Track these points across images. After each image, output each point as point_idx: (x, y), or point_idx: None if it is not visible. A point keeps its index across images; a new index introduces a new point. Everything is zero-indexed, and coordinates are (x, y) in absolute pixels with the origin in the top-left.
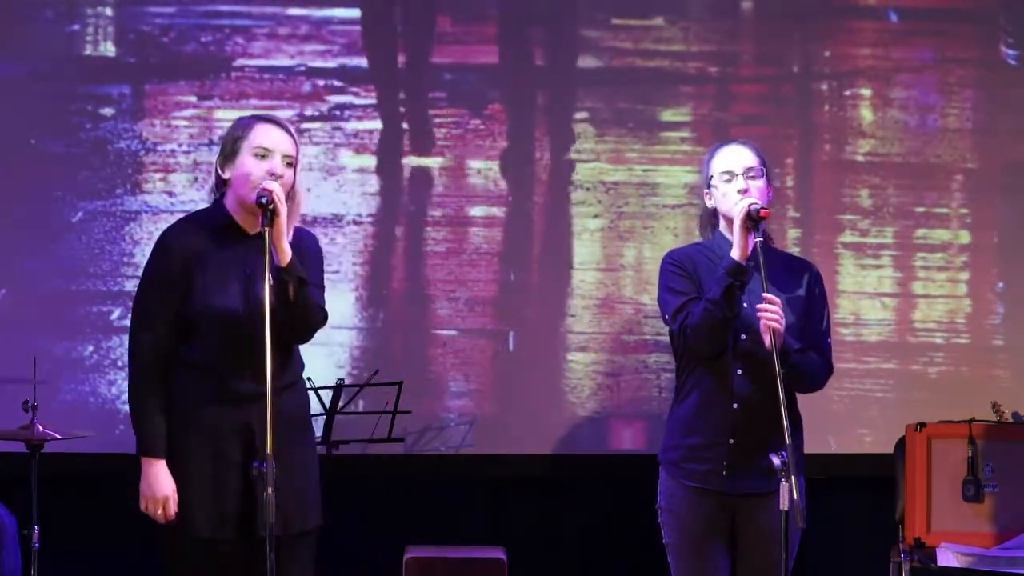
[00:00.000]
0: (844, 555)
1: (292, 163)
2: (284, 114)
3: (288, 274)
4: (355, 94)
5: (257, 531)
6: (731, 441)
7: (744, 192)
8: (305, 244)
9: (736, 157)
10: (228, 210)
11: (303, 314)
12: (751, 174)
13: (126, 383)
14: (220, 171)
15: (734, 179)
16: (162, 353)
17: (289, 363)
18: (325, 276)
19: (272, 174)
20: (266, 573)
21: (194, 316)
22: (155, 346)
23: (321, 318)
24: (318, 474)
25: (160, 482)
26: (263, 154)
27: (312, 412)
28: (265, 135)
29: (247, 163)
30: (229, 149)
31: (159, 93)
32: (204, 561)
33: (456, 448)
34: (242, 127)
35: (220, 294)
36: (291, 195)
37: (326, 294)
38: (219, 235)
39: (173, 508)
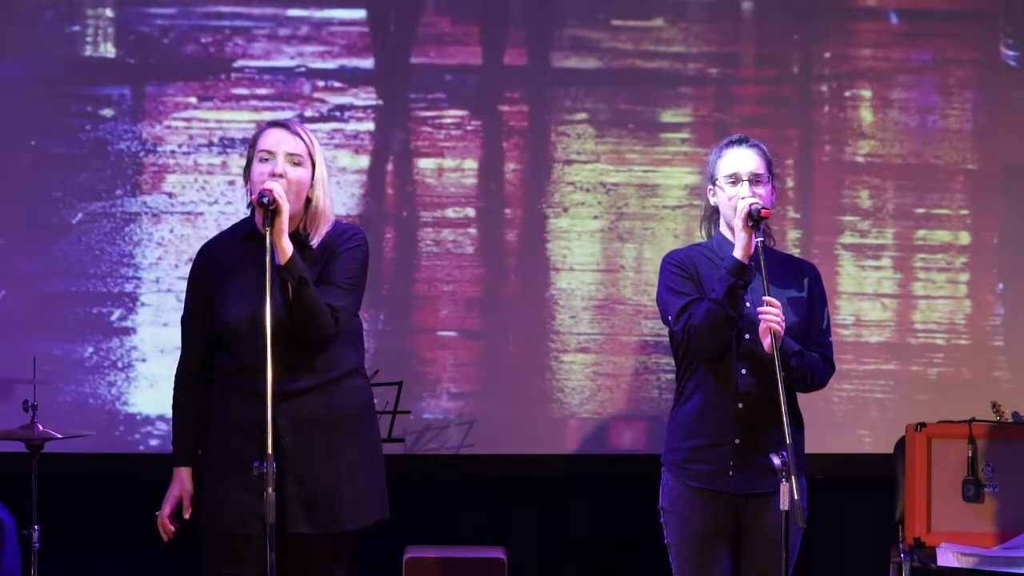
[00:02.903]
0: (844, 555)
1: (300, 162)
2: (284, 115)
3: (287, 273)
4: (355, 95)
5: (286, 527)
6: (736, 441)
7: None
8: (339, 241)
9: (743, 161)
10: (255, 221)
11: (304, 314)
12: (757, 180)
13: (126, 384)
14: (246, 185)
15: (739, 183)
16: (195, 364)
17: (318, 362)
18: None
19: (273, 174)
20: (294, 570)
21: (219, 324)
22: (187, 358)
23: (328, 319)
24: (367, 474)
25: (173, 484)
26: (266, 157)
27: None
28: (267, 138)
29: (254, 168)
30: (246, 162)
31: (159, 94)
32: (237, 557)
33: (456, 448)
34: (253, 138)
35: (240, 300)
36: (310, 197)
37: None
38: (243, 243)
39: (168, 510)
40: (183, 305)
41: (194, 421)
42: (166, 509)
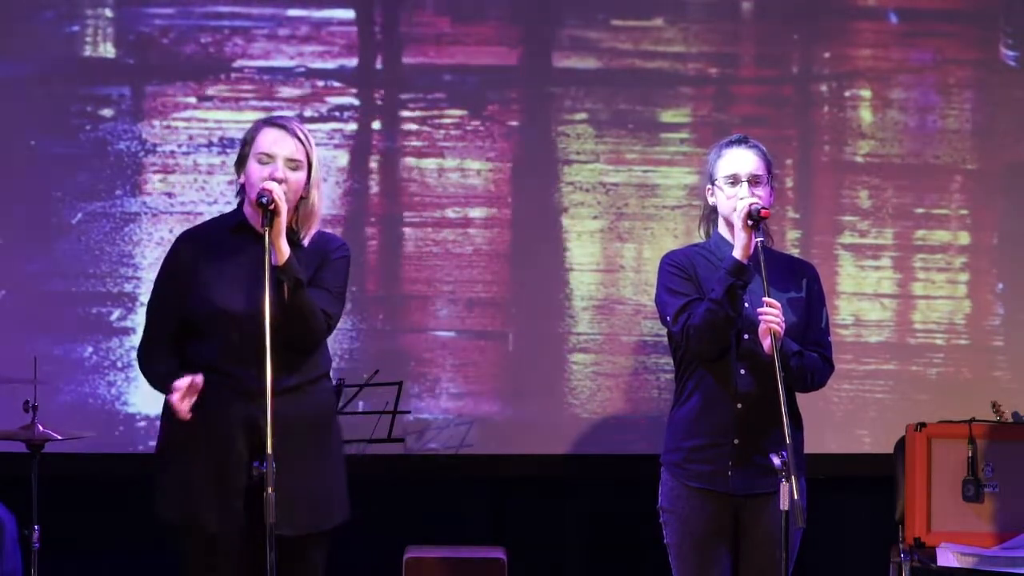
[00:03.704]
0: (844, 555)
1: (298, 166)
2: (284, 115)
3: (283, 274)
4: (354, 95)
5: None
6: (735, 441)
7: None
8: (328, 248)
9: (742, 162)
10: (244, 213)
11: (299, 316)
12: (756, 180)
13: (126, 384)
14: (237, 177)
15: (738, 184)
16: (166, 344)
17: (302, 362)
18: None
19: (273, 178)
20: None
21: (198, 314)
22: (151, 344)
23: (322, 323)
24: (339, 474)
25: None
26: (265, 160)
27: None
28: (268, 140)
29: (252, 168)
30: (240, 155)
31: (159, 94)
32: (214, 557)
33: (456, 448)
34: (251, 133)
35: (225, 293)
36: (305, 196)
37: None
38: (231, 236)
39: (183, 387)
40: (152, 291)
41: (176, 369)
42: (179, 384)
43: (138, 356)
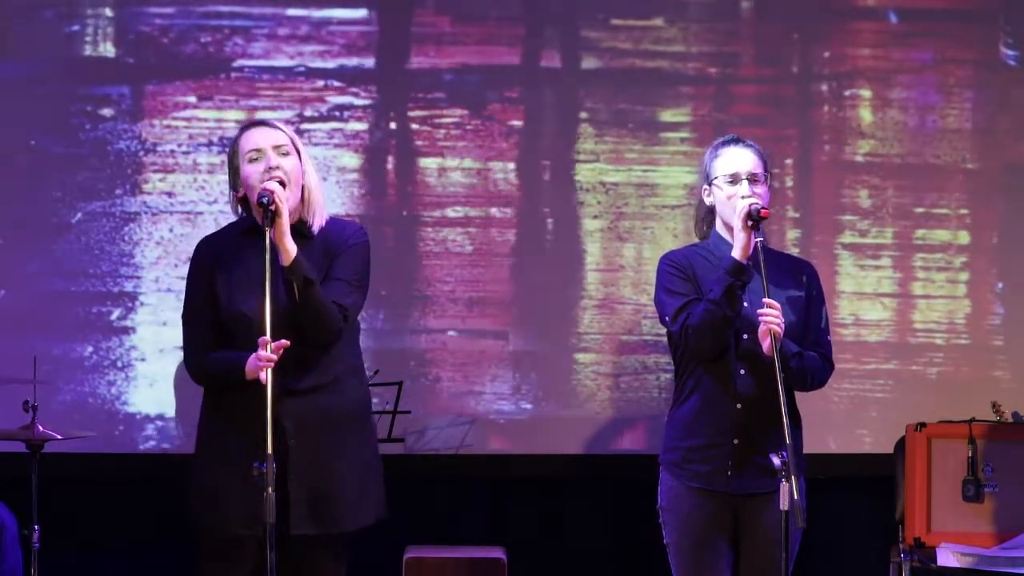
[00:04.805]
0: (844, 555)
1: (288, 151)
2: (283, 115)
3: (291, 274)
4: (355, 95)
5: (290, 530)
6: (735, 441)
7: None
8: (341, 237)
9: (741, 160)
10: (251, 215)
11: (311, 315)
12: (755, 179)
13: (126, 383)
14: (236, 193)
15: (738, 183)
16: (212, 345)
17: (322, 361)
18: None
19: (269, 169)
20: (294, 572)
21: (224, 318)
22: (196, 347)
23: (336, 317)
24: (362, 476)
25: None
26: (255, 156)
27: None
28: (250, 139)
29: (246, 171)
30: (232, 170)
31: (158, 94)
32: (238, 558)
33: (456, 448)
34: (232, 145)
35: (244, 296)
36: (304, 183)
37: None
38: (245, 239)
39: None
40: (184, 302)
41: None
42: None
43: (189, 365)
